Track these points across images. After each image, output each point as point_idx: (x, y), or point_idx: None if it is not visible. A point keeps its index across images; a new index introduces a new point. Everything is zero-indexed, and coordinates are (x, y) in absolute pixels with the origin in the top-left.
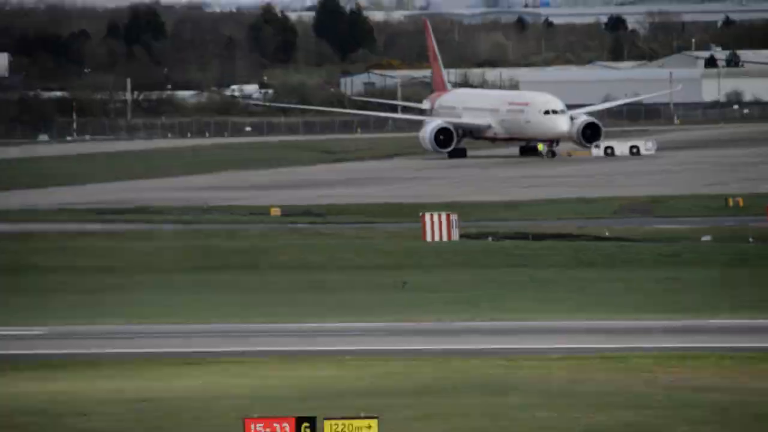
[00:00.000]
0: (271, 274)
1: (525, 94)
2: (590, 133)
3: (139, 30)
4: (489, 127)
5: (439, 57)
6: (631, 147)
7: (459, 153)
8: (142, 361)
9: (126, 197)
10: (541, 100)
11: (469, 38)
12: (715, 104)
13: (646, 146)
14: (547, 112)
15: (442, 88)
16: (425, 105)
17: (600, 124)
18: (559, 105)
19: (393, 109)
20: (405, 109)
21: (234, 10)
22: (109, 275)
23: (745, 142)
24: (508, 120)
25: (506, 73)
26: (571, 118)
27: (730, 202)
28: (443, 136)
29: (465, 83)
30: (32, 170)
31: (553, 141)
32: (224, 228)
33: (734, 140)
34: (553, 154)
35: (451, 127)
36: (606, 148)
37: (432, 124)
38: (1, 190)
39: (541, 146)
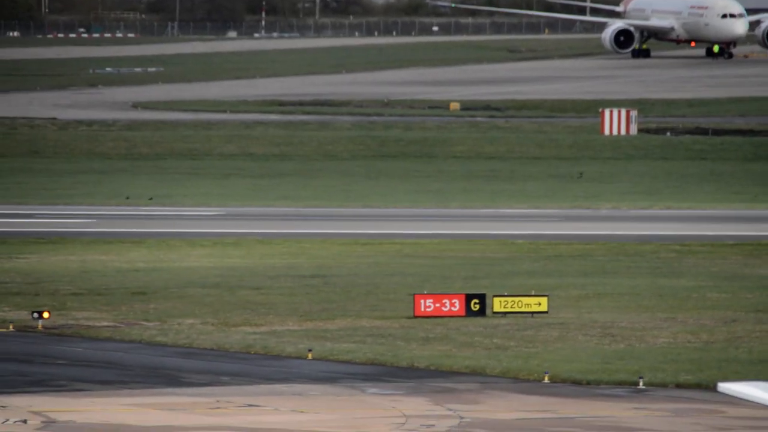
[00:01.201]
0: (446, 164)
1: None
2: None
3: None
4: (672, 29)
5: None
6: None
7: (642, 53)
8: (317, 240)
9: (307, 91)
10: (720, 4)
11: None
12: None
13: None
14: (724, 16)
15: None
16: (620, 8)
17: None
18: (737, 9)
19: (582, 11)
20: (594, 11)
21: None
22: (284, 162)
23: None
24: (689, 23)
25: None
26: (758, 22)
27: None
28: (623, 38)
29: None
30: (220, 64)
31: (729, 43)
32: (402, 120)
33: None
34: (730, 55)
35: (632, 29)
36: None
37: (613, 26)
38: (186, 81)
39: (716, 47)
